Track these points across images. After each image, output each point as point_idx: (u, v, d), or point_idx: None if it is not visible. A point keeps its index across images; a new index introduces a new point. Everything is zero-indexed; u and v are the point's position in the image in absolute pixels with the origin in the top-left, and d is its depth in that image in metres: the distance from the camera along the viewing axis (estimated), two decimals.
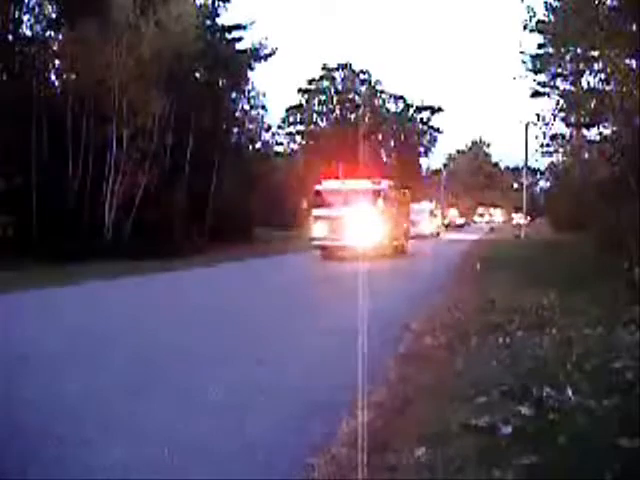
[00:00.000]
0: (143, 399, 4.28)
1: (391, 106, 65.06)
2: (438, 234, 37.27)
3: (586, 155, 21.77)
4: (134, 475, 3.04)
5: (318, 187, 19.30)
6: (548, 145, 21.26)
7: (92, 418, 3.87)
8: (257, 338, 6.47)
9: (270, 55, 31.99)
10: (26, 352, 5.66)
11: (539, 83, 22.68)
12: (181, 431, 3.63)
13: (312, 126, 59.12)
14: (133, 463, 3.17)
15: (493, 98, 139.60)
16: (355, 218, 17.48)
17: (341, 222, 17.57)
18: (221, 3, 30.21)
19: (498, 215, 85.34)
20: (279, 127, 54.63)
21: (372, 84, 61.23)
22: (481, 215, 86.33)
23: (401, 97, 64.98)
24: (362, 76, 60.47)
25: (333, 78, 60.14)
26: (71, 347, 5.94)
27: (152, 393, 4.44)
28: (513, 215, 79.67)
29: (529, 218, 43.29)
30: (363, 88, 60.98)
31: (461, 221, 61.25)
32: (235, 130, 33.85)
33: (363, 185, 18.55)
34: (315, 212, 18.69)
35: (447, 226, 47.92)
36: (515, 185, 70.64)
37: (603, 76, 13.75)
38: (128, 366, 5.21)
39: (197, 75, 28.58)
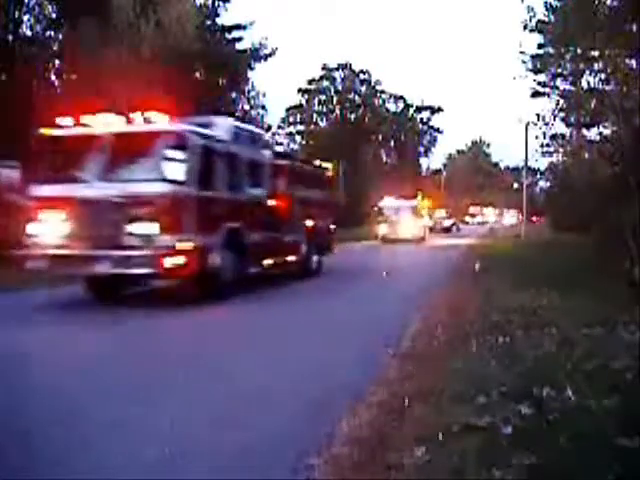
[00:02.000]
0: None
1: (391, 106, 65.33)
2: (423, 238, 30.79)
3: (586, 155, 21.81)
4: None
5: (45, 131, 8.54)
6: (548, 145, 21.34)
7: None
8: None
9: (270, 55, 32.08)
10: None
11: (539, 83, 22.73)
12: None
13: (312, 126, 59.23)
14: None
15: (493, 98, 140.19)
16: (132, 204, 7.72)
17: (93, 214, 7.87)
18: (221, 3, 30.35)
19: (492, 215, 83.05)
20: (279, 127, 54.90)
21: (372, 84, 61.39)
22: (473, 215, 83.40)
23: (401, 97, 65.29)
24: (362, 76, 60.67)
25: (333, 78, 60.29)
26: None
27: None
28: (505, 214, 78.82)
29: (522, 217, 40.83)
30: (363, 88, 61.11)
31: (448, 223, 52.43)
32: None
33: (144, 125, 8.10)
34: (37, 191, 8.36)
35: (432, 229, 41.15)
36: (515, 185, 70.50)
37: (603, 76, 13.76)
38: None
39: (197, 75, 28.61)
